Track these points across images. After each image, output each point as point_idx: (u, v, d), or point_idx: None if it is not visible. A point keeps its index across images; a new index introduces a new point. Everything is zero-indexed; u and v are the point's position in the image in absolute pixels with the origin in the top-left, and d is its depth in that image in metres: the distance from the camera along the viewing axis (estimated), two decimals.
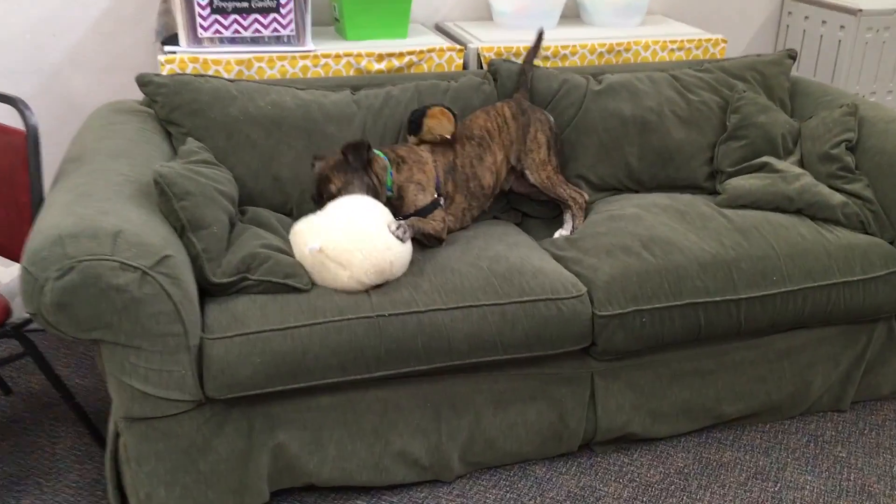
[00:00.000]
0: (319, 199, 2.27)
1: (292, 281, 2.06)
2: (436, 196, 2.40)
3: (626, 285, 2.23)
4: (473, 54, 3.02)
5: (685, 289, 2.26)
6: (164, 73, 2.73)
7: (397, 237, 2.11)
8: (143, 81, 2.44)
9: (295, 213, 2.51)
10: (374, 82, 2.75)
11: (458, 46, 3.01)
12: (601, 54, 3.16)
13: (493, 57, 3.00)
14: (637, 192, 2.78)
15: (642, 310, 2.23)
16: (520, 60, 2.89)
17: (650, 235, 2.36)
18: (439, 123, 2.45)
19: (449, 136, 2.47)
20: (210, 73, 2.76)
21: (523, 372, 2.27)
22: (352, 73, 2.93)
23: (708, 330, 2.30)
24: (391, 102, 2.63)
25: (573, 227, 2.57)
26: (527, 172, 2.57)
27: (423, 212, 2.35)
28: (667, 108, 2.76)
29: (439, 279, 2.16)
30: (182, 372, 1.92)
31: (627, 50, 3.17)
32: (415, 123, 2.47)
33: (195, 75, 2.50)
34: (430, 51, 2.97)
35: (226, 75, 2.77)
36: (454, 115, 2.47)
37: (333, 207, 2.14)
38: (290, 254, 2.14)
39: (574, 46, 3.10)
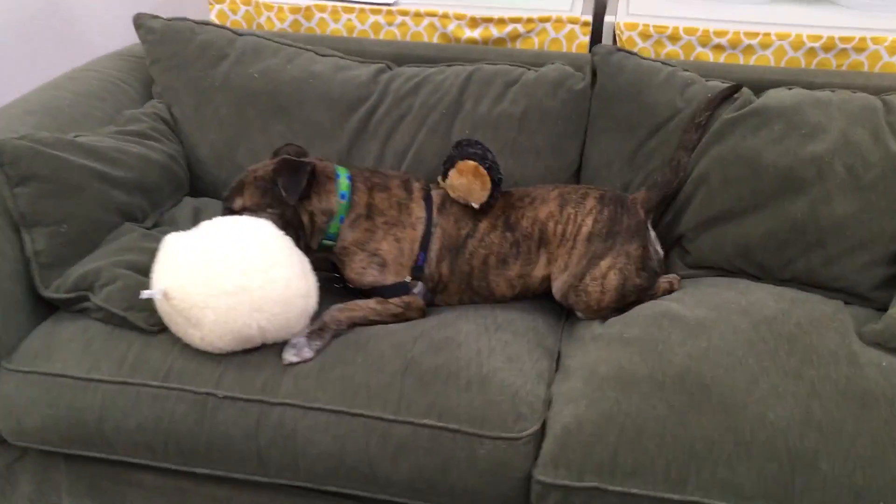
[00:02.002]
0: (225, 203, 1.67)
1: (131, 316, 1.55)
2: (407, 280, 1.67)
3: (598, 443, 1.37)
4: (609, 30, 2.17)
5: (699, 479, 1.34)
6: (213, 14, 2.32)
7: (288, 361, 1.49)
8: (137, 23, 2.03)
9: None
10: (426, 56, 2.05)
11: (584, 18, 2.17)
12: (812, 52, 2.09)
13: (630, 35, 2.11)
14: (758, 278, 1.77)
15: (610, 491, 1.36)
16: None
17: (688, 368, 1.43)
18: (466, 186, 1.67)
19: (476, 207, 1.70)
20: (262, 19, 2.28)
21: None
22: (435, 38, 2.25)
23: None
24: (422, 93, 1.93)
25: None
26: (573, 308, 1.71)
27: (381, 292, 1.66)
28: (839, 161, 1.69)
29: (332, 360, 1.50)
30: None
31: (860, 50, 2.07)
32: (445, 172, 1.71)
33: (197, 22, 2.03)
34: (543, 20, 2.19)
35: (278, 25, 2.27)
36: (496, 180, 1.68)
37: (219, 229, 1.55)
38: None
39: (768, 35, 2.09)
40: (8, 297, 1.56)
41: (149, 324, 1.54)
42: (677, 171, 1.77)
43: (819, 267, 1.70)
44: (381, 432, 1.43)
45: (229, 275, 1.44)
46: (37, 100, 1.86)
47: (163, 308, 1.49)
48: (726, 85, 1.83)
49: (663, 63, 1.89)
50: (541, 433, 1.43)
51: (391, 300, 1.62)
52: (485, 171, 1.64)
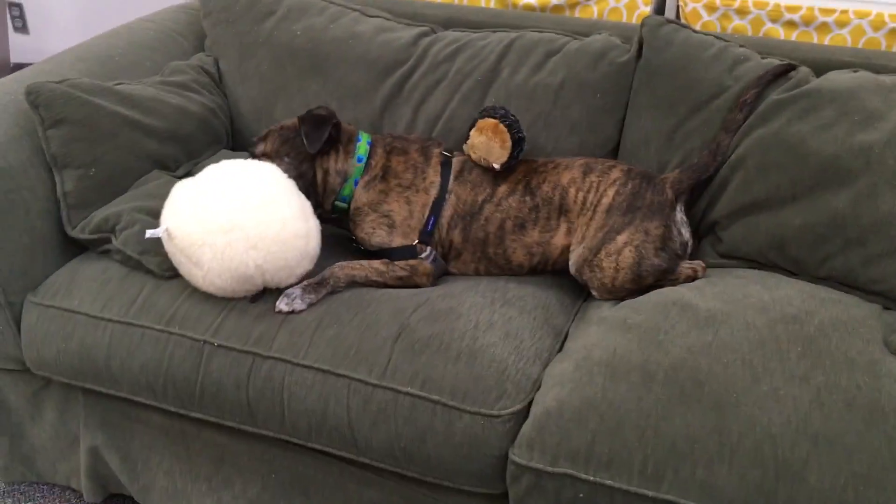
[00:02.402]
0: (249, 149, 1.73)
1: (146, 260, 1.60)
2: (415, 243, 1.65)
3: (576, 429, 1.32)
4: (673, 2, 2.07)
5: (676, 478, 1.27)
6: None
7: (279, 309, 1.51)
8: None
9: None
10: (477, 21, 2.01)
11: None
12: (894, 33, 1.93)
13: (695, 7, 2.01)
14: (794, 274, 1.65)
15: (581, 479, 1.31)
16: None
17: (685, 361, 1.36)
18: (485, 145, 1.65)
19: (497, 168, 1.67)
20: None
21: (408, 491, 1.52)
22: (493, 2, 2.20)
23: None
24: (460, 59, 1.88)
25: None
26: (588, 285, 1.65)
27: (389, 254, 1.65)
28: (891, 153, 1.54)
29: (330, 319, 1.51)
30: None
31: None
32: (467, 133, 1.70)
33: None
34: None
35: None
36: (517, 140, 1.64)
37: (221, 172, 1.56)
38: None
39: (846, 13, 1.94)
40: (36, 233, 1.65)
41: (161, 269, 1.59)
42: (715, 155, 1.67)
43: (858, 266, 1.57)
44: (363, 396, 1.42)
45: (225, 211, 1.47)
46: (91, 48, 1.94)
47: (169, 248, 1.54)
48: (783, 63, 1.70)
49: (717, 37, 1.78)
50: (525, 413, 1.39)
51: (397, 263, 1.61)
52: (504, 129, 1.61)
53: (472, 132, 1.66)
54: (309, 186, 1.65)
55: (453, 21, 2.03)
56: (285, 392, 1.46)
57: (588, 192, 1.64)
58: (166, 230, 1.51)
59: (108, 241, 1.64)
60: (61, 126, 1.63)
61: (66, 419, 1.74)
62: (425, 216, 1.65)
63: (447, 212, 1.66)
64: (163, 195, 1.67)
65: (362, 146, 1.69)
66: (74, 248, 1.70)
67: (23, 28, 3.67)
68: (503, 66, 1.84)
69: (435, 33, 1.96)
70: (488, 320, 1.50)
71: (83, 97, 1.66)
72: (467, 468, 1.39)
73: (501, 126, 1.63)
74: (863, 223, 1.55)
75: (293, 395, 1.46)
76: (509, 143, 1.63)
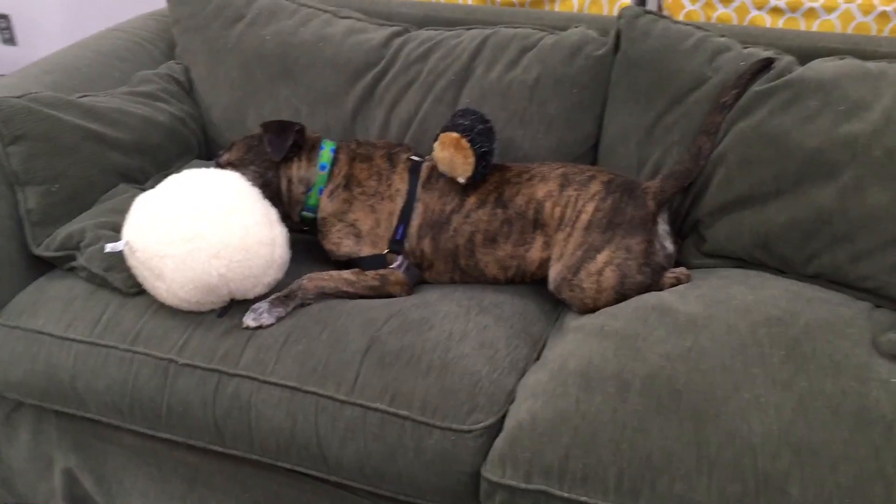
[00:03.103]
0: (215, 158, 1.70)
1: (111, 276, 1.56)
2: (384, 252, 1.60)
3: (549, 444, 1.27)
4: None
5: (653, 493, 1.21)
6: None
7: (246, 324, 1.46)
8: None
9: None
10: (453, 18, 1.95)
11: None
12: (885, 17, 1.86)
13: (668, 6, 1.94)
14: (782, 272, 1.59)
15: (556, 496, 1.25)
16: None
17: (662, 369, 1.30)
18: (448, 160, 1.57)
19: (463, 182, 1.59)
20: None
21: None
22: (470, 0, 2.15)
23: None
24: (433, 58, 1.83)
25: None
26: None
27: (359, 264, 1.60)
28: (879, 144, 1.47)
29: (298, 334, 1.46)
30: None
31: None
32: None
33: None
34: None
35: None
36: (480, 153, 1.56)
37: (181, 182, 1.52)
38: None
39: None
40: (0, 252, 1.61)
41: (127, 286, 1.55)
42: (697, 160, 1.59)
43: (845, 263, 1.50)
44: (332, 413, 1.38)
45: (185, 220, 1.43)
46: (58, 59, 1.90)
47: (131, 262, 1.50)
48: (764, 54, 1.64)
49: (697, 27, 1.72)
50: (499, 427, 1.34)
51: (368, 273, 1.56)
52: (467, 144, 1.54)
53: (436, 145, 1.58)
54: (275, 196, 1.60)
55: (429, 19, 1.97)
56: (252, 410, 1.42)
57: (566, 206, 1.56)
58: (127, 243, 1.47)
59: (73, 258, 1.60)
60: (21, 142, 1.60)
61: (39, 441, 1.71)
62: (393, 224, 1.60)
63: (415, 221, 1.60)
64: (126, 210, 1.63)
65: (325, 153, 1.64)
66: (42, 266, 1.66)
67: (10, 40, 3.64)
68: (476, 64, 1.79)
69: (408, 33, 1.91)
70: (462, 330, 1.45)
71: (44, 111, 1.62)
72: (439, 485, 1.34)
73: (463, 141, 1.54)
74: (850, 218, 1.48)
75: (260, 414, 1.41)
76: (472, 159, 1.55)
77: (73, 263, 1.61)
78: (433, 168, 1.63)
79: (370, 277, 1.56)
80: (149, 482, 1.63)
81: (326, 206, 1.62)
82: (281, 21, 1.90)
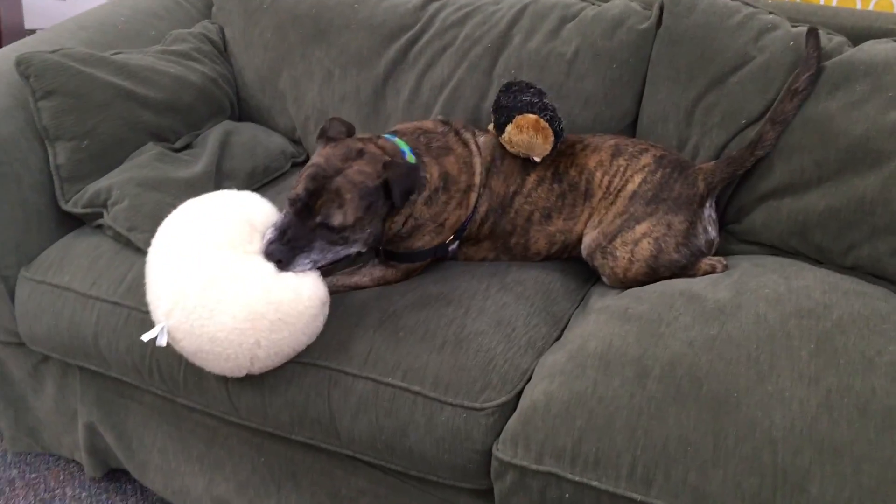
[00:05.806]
0: (303, 211, 1.33)
1: (134, 236, 1.56)
2: (449, 239, 1.53)
3: (563, 426, 1.24)
4: None
5: (667, 482, 1.18)
6: None
7: None
8: None
9: (304, 143, 1.92)
10: None
11: None
12: None
13: None
14: (819, 263, 1.53)
15: (567, 479, 1.23)
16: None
17: (683, 356, 1.26)
18: (527, 142, 1.50)
19: (538, 160, 1.54)
20: None
21: (395, 481, 1.46)
22: None
23: None
24: (470, 24, 1.78)
25: None
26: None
27: (414, 256, 1.52)
28: None
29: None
30: None
31: None
32: (500, 125, 1.54)
33: None
34: None
35: None
36: (557, 131, 1.51)
37: (209, 249, 1.35)
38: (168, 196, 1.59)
39: None
40: (29, 206, 1.62)
41: (148, 246, 1.54)
42: (755, 148, 1.52)
43: (885, 256, 1.44)
44: (344, 387, 1.36)
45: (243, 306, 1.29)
46: (95, 15, 1.90)
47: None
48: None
49: (744, 2, 1.65)
50: (513, 406, 1.32)
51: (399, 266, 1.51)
52: (546, 124, 1.49)
53: (511, 129, 1.51)
54: (377, 241, 1.45)
55: None
56: (266, 384, 1.41)
57: (614, 176, 1.53)
58: (165, 331, 1.33)
59: (101, 215, 1.61)
60: (52, 97, 1.60)
61: (65, 394, 1.73)
62: (469, 212, 1.53)
63: (482, 206, 1.53)
64: (151, 167, 1.63)
65: (409, 159, 1.44)
66: (71, 222, 1.68)
67: None
68: (514, 32, 1.74)
69: None
70: (479, 307, 1.43)
71: (75, 67, 1.62)
72: (450, 462, 1.33)
73: (542, 122, 1.50)
74: (893, 209, 1.42)
75: (274, 388, 1.40)
76: (552, 139, 1.51)
77: (100, 221, 1.61)
78: (493, 148, 1.56)
79: (391, 274, 1.51)
80: (167, 440, 1.65)
81: (424, 212, 1.48)
82: None
